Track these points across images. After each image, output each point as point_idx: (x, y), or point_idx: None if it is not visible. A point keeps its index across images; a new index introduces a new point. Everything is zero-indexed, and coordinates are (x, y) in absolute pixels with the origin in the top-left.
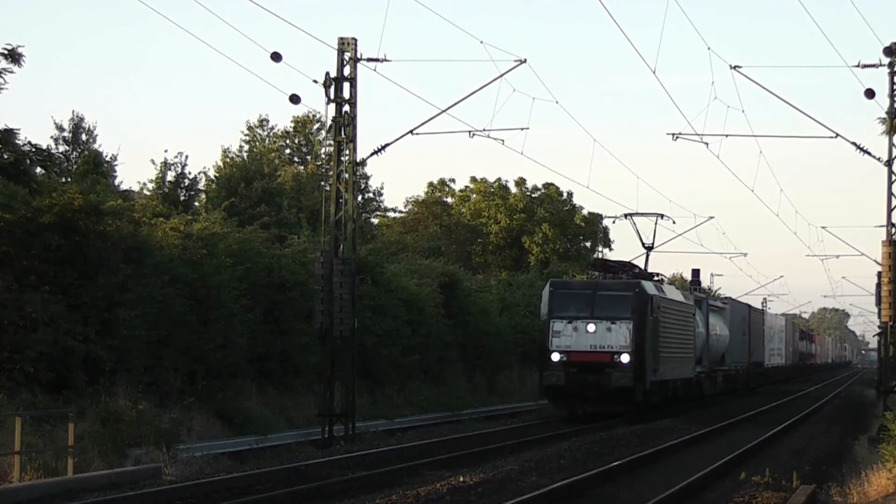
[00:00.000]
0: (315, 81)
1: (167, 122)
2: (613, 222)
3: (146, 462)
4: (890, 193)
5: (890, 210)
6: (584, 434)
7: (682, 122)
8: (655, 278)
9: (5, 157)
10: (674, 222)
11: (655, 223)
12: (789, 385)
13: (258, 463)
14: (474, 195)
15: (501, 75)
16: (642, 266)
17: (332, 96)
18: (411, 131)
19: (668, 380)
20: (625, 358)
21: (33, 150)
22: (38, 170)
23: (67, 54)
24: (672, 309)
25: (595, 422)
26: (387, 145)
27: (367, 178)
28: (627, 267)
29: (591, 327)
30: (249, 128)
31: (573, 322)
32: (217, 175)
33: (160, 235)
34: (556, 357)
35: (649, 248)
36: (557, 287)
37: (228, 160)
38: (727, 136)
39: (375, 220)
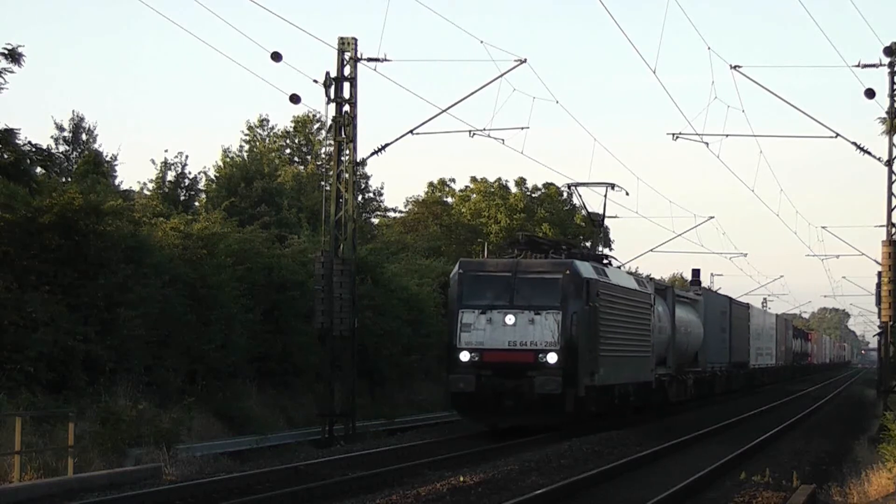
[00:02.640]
0: (315, 81)
1: (167, 122)
2: (562, 195)
3: (146, 462)
4: (890, 193)
5: (890, 210)
6: (585, 434)
7: (682, 122)
8: (605, 261)
9: (5, 156)
10: (627, 194)
11: (605, 194)
12: (780, 388)
13: (258, 463)
14: (474, 195)
15: (501, 75)
16: (598, 245)
17: (332, 96)
18: (411, 131)
19: (612, 384)
20: (552, 357)
21: (33, 149)
22: (39, 170)
23: (67, 54)
24: (619, 297)
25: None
26: (387, 145)
27: (367, 178)
28: (562, 245)
29: (510, 319)
30: (249, 128)
31: (487, 312)
32: (217, 175)
33: (160, 235)
34: (464, 357)
35: (599, 223)
36: (468, 268)
37: (228, 160)
38: (727, 136)
39: (375, 220)
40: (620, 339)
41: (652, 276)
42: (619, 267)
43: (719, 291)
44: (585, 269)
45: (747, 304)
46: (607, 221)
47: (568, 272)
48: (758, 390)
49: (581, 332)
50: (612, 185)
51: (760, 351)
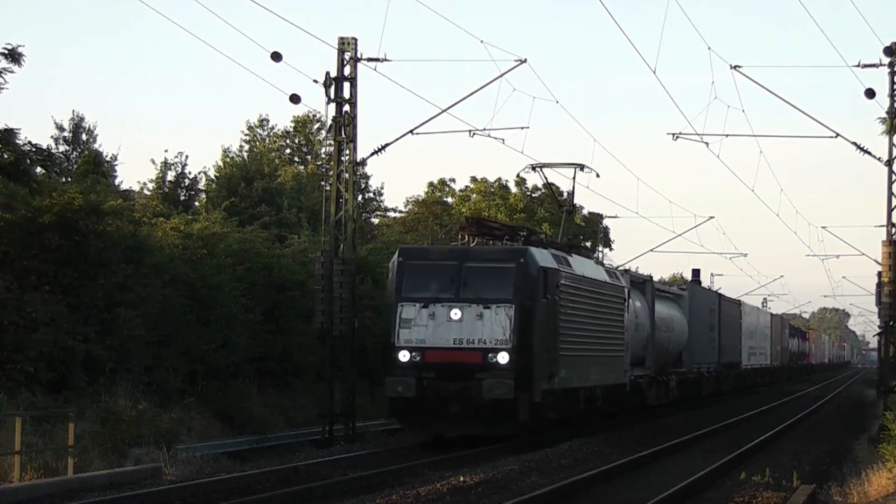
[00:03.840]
0: (315, 81)
1: (167, 122)
2: (519, 174)
3: (146, 462)
4: (890, 193)
5: (890, 210)
6: (585, 435)
7: (682, 122)
8: (574, 250)
9: (5, 156)
10: (597, 175)
11: (574, 177)
12: (776, 389)
13: (258, 463)
14: (474, 195)
15: (501, 75)
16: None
17: (332, 96)
18: (411, 131)
19: (577, 388)
20: (503, 357)
21: (33, 149)
22: (39, 170)
23: (67, 54)
24: (585, 290)
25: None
26: (387, 145)
27: (367, 178)
28: (519, 231)
29: (456, 314)
30: (249, 128)
31: (430, 306)
32: (217, 175)
33: (160, 235)
34: (404, 356)
35: (569, 210)
36: (408, 256)
37: (228, 160)
38: (727, 136)
39: (375, 220)
40: (586, 336)
41: (649, 273)
42: (600, 260)
43: (720, 291)
44: (543, 257)
45: (739, 300)
46: (607, 221)
47: (522, 260)
48: (751, 392)
49: (537, 328)
50: (582, 166)
51: (754, 350)
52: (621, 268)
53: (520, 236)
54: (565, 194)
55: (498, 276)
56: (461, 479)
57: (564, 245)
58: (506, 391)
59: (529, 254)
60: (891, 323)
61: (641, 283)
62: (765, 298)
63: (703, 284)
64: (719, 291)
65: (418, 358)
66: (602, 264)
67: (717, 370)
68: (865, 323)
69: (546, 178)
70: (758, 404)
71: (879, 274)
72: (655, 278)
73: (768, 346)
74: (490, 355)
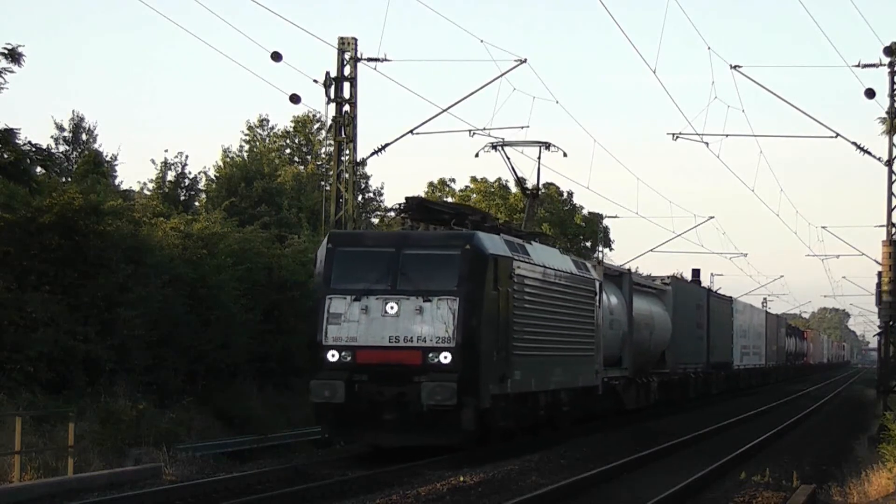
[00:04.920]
0: (315, 81)
1: (167, 122)
2: (476, 155)
3: (146, 462)
4: (890, 193)
5: (890, 210)
6: (585, 435)
7: (682, 122)
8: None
9: (5, 156)
10: (565, 155)
11: (539, 157)
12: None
13: (258, 463)
14: (474, 195)
15: (502, 75)
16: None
17: (332, 96)
18: (411, 131)
19: (536, 391)
20: (445, 357)
21: (33, 149)
22: (39, 169)
23: (68, 54)
24: (545, 281)
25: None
26: (387, 145)
27: (367, 177)
28: (467, 214)
29: (392, 308)
30: (249, 128)
31: (363, 299)
32: (217, 175)
33: (160, 235)
34: (332, 356)
35: (533, 193)
36: (339, 242)
37: (228, 160)
38: (727, 136)
39: (375, 220)
40: (548, 333)
41: (628, 266)
42: (599, 258)
43: (720, 292)
44: (493, 243)
45: (730, 297)
46: (607, 221)
47: (468, 247)
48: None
49: (486, 324)
50: (547, 145)
51: (747, 350)
52: (625, 266)
53: (473, 220)
54: (565, 194)
55: (441, 265)
56: (461, 478)
57: (524, 232)
58: (447, 396)
59: (477, 239)
60: (891, 323)
61: (618, 277)
62: (765, 298)
63: (703, 284)
64: (709, 287)
65: (349, 358)
66: (570, 254)
67: (705, 371)
68: (865, 323)
69: (508, 158)
70: (748, 407)
71: (879, 274)
72: (612, 264)
73: (763, 345)
74: (431, 355)
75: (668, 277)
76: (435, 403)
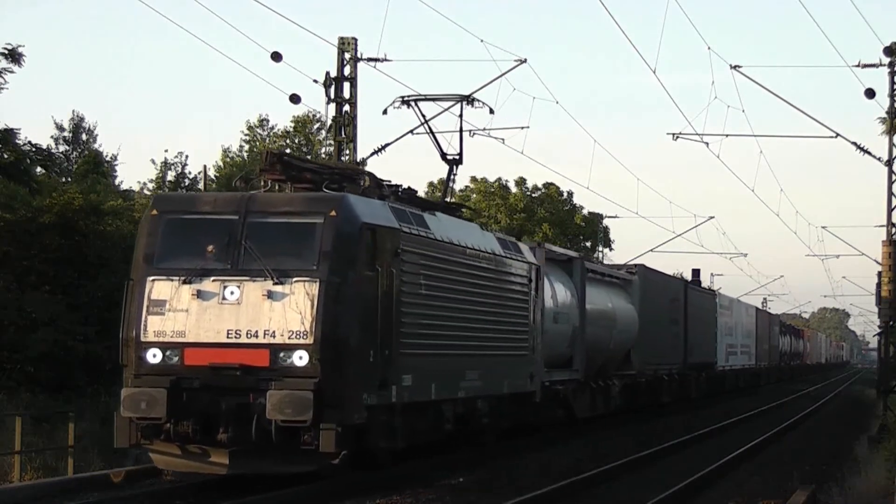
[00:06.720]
0: (315, 81)
1: (167, 122)
2: (384, 112)
3: (146, 462)
4: (890, 193)
5: (890, 210)
6: (585, 435)
7: (682, 122)
8: (460, 210)
9: (6, 156)
10: (491, 111)
11: (460, 114)
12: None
13: None
14: (474, 195)
15: (502, 75)
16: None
17: (332, 96)
18: (411, 131)
19: (438, 400)
20: (301, 358)
21: (33, 149)
22: (39, 169)
23: (67, 54)
24: (452, 261)
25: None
26: (387, 145)
27: None
28: (341, 172)
29: (232, 293)
30: (249, 128)
31: (194, 282)
32: (217, 175)
33: None
34: (153, 356)
35: (453, 160)
36: (165, 206)
37: (228, 160)
38: (727, 136)
39: None
40: (454, 327)
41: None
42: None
43: (721, 291)
44: (370, 210)
45: (713, 291)
46: (607, 221)
47: (334, 213)
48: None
49: (358, 314)
50: (471, 100)
51: (733, 349)
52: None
53: (348, 179)
54: (565, 194)
55: (297, 237)
56: (461, 479)
57: (425, 200)
58: (301, 410)
59: (346, 204)
60: (891, 323)
61: (567, 262)
62: (765, 298)
63: (703, 284)
64: (681, 275)
65: (175, 359)
66: (495, 232)
67: (682, 372)
68: (865, 323)
69: (424, 116)
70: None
71: (879, 274)
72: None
73: (752, 344)
74: (282, 355)
75: (635, 266)
76: (285, 419)
